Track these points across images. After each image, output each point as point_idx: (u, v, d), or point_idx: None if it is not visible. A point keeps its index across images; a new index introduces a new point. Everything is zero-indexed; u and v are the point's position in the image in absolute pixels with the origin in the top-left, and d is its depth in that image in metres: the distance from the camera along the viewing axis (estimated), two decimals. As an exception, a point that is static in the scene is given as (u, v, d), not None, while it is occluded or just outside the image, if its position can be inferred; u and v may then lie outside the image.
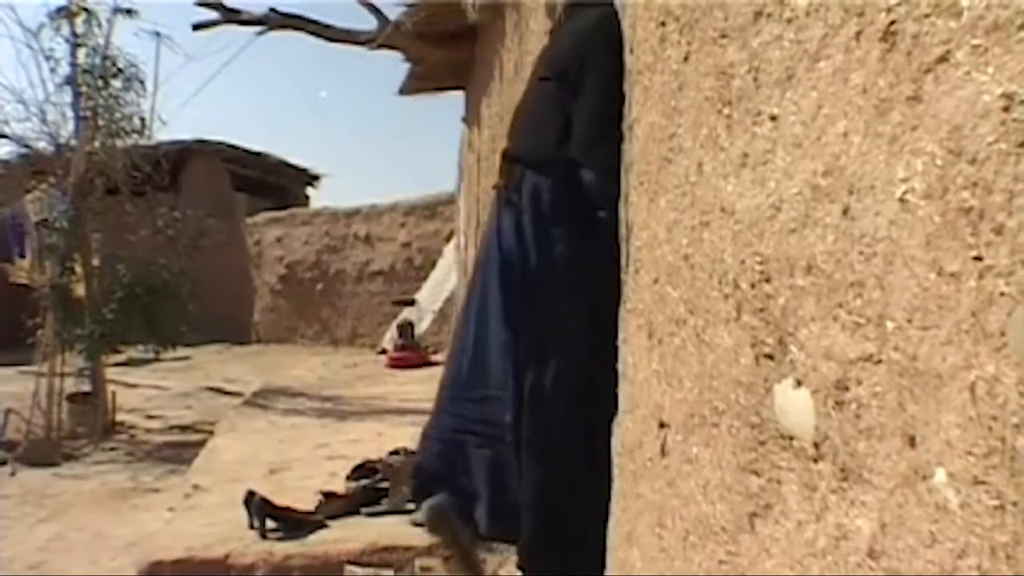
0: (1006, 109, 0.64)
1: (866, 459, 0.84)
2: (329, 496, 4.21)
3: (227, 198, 16.20)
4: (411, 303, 12.18)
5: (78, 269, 7.93)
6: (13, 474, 6.31)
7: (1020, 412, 0.62)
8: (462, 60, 7.35)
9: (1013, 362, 0.62)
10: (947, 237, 0.71)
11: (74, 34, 7.70)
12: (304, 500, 4.21)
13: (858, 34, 0.88)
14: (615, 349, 1.92)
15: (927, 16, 0.76)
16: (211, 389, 9.95)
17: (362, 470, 4.52)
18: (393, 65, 8.14)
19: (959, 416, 0.69)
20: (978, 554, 0.66)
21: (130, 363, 10.63)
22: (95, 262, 8.16)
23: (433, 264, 13.01)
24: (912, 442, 0.76)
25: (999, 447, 0.64)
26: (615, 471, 1.94)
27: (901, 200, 0.78)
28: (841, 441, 0.89)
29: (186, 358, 12.00)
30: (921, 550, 0.73)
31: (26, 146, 8.04)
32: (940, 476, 0.71)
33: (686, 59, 1.45)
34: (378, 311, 13.73)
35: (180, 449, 6.86)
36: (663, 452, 1.54)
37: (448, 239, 12.64)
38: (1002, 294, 0.64)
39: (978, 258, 0.67)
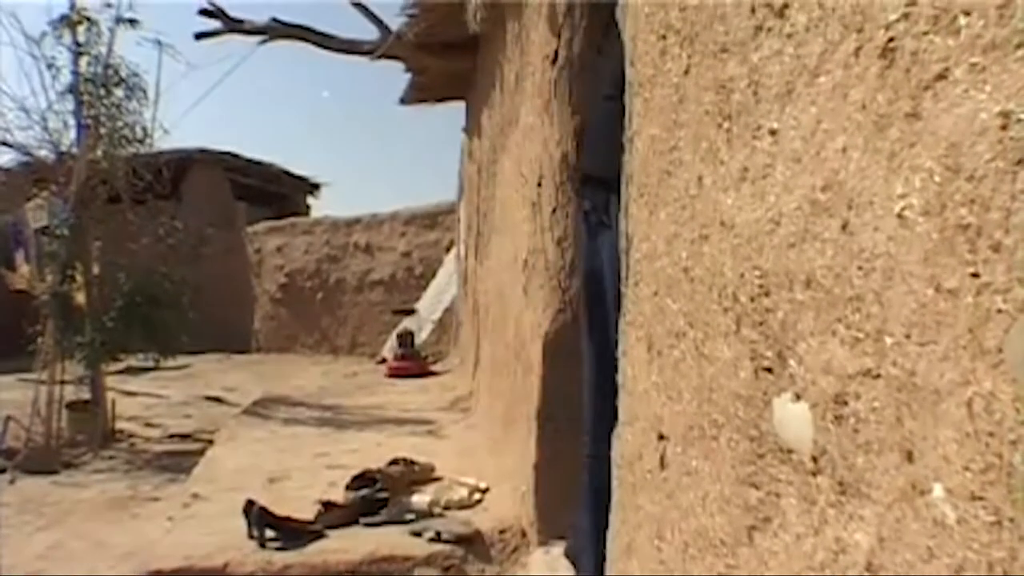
0: (1003, 127, 0.65)
1: (864, 473, 0.84)
2: (328, 506, 4.20)
3: (228, 207, 16.21)
4: (411, 312, 12.18)
5: (79, 277, 7.93)
6: (12, 482, 6.30)
7: (1017, 429, 0.62)
8: (463, 70, 7.36)
9: (1010, 379, 0.63)
10: (945, 253, 0.71)
11: (76, 43, 7.72)
12: (303, 510, 4.20)
13: (857, 50, 0.89)
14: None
15: (925, 33, 0.76)
16: (211, 398, 9.94)
17: (361, 480, 4.52)
18: (394, 75, 8.15)
19: (956, 432, 0.69)
20: (975, 570, 0.66)
21: (130, 371, 10.63)
22: (96, 270, 8.16)
23: (433, 274, 13.01)
24: (910, 457, 0.76)
25: (996, 463, 0.64)
26: (614, 482, 1.94)
27: (900, 216, 0.79)
28: (840, 455, 0.90)
29: (186, 366, 11.99)
30: (919, 565, 0.73)
31: (28, 154, 8.04)
32: (938, 491, 0.71)
33: (686, 72, 1.46)
34: (378, 320, 13.72)
35: (179, 458, 6.84)
36: (662, 464, 1.55)
37: (448, 249, 12.63)
38: (999, 311, 0.64)
39: (975, 275, 0.67)
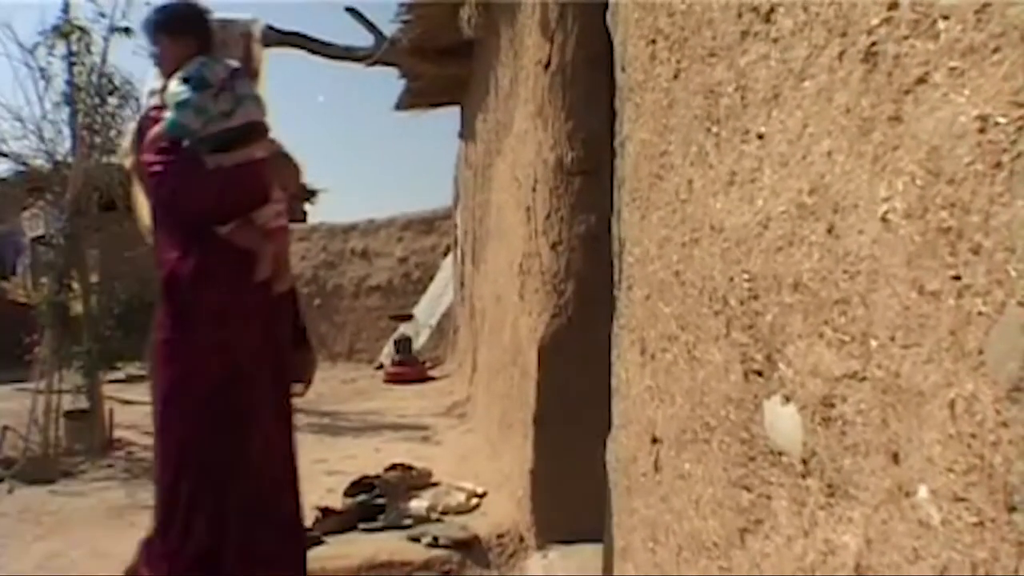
0: (982, 131, 0.65)
1: (852, 475, 0.85)
2: (326, 512, 4.19)
3: (224, 214, 16.21)
4: (408, 318, 12.17)
5: (75, 286, 7.92)
6: (10, 491, 6.28)
7: (998, 430, 0.62)
8: (458, 76, 7.37)
9: (991, 381, 0.63)
10: (927, 256, 0.72)
11: (70, 52, 7.71)
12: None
13: (841, 54, 0.89)
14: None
15: (906, 38, 0.77)
16: (209, 405, 9.92)
17: (359, 486, 4.51)
18: (389, 81, 8.16)
19: (940, 433, 0.69)
20: (959, 570, 0.66)
21: (128, 380, 10.61)
22: (93, 279, 8.14)
23: (430, 279, 13.01)
24: (896, 459, 0.77)
25: (978, 464, 0.64)
26: (609, 486, 1.94)
27: (883, 219, 0.79)
28: (828, 457, 0.90)
29: (184, 374, 11.96)
30: (905, 566, 0.74)
31: (23, 163, 8.03)
32: (923, 493, 0.72)
33: (676, 77, 1.46)
34: (375, 326, 13.70)
35: (178, 466, 6.82)
36: (656, 467, 1.55)
37: (445, 253, 12.63)
38: (980, 313, 0.65)
39: (957, 277, 0.68)
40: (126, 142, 2.99)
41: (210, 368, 2.78)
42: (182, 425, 2.80)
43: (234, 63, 2.90)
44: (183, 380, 2.79)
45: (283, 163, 3.03)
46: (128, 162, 3.04)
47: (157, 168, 2.77)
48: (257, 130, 2.94)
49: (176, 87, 2.78)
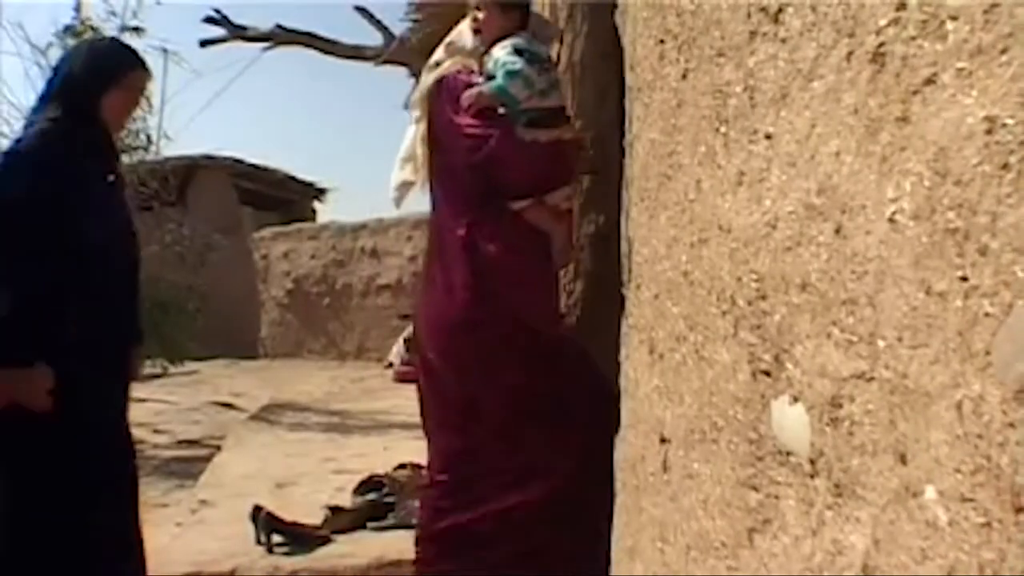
0: (989, 132, 0.65)
1: (860, 476, 0.85)
2: (336, 510, 4.20)
3: (234, 213, 16.21)
4: (418, 317, 12.16)
5: (86, 284, 7.96)
6: (21, 490, 6.31)
7: (1005, 431, 0.62)
8: (467, 75, 7.39)
9: (998, 381, 0.63)
10: (935, 257, 0.72)
11: (82, 52, 7.75)
12: (311, 515, 4.21)
13: (849, 55, 0.89)
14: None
15: (914, 38, 0.77)
16: (218, 403, 9.94)
17: (369, 484, 4.52)
18: (399, 80, 8.17)
19: (947, 434, 0.69)
20: (966, 571, 0.66)
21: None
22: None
23: (440, 278, 13.01)
24: (903, 459, 0.77)
25: (985, 465, 0.65)
26: (617, 485, 1.94)
27: (891, 220, 0.79)
28: (836, 457, 0.90)
29: (194, 372, 11.99)
30: (912, 567, 0.74)
31: (34, 163, 8.07)
32: (930, 493, 0.72)
33: (684, 77, 1.46)
34: (385, 325, 13.69)
35: (187, 464, 6.84)
36: (664, 467, 1.55)
37: (454, 252, 12.65)
38: (987, 314, 0.65)
39: (964, 278, 0.68)
40: (418, 91, 3.07)
41: (517, 334, 2.87)
42: (502, 392, 2.88)
43: (546, 47, 2.99)
44: (495, 345, 2.88)
45: (579, 147, 3.13)
46: (417, 112, 3.11)
47: (475, 131, 2.82)
48: (566, 114, 3.05)
49: (507, 56, 2.83)
